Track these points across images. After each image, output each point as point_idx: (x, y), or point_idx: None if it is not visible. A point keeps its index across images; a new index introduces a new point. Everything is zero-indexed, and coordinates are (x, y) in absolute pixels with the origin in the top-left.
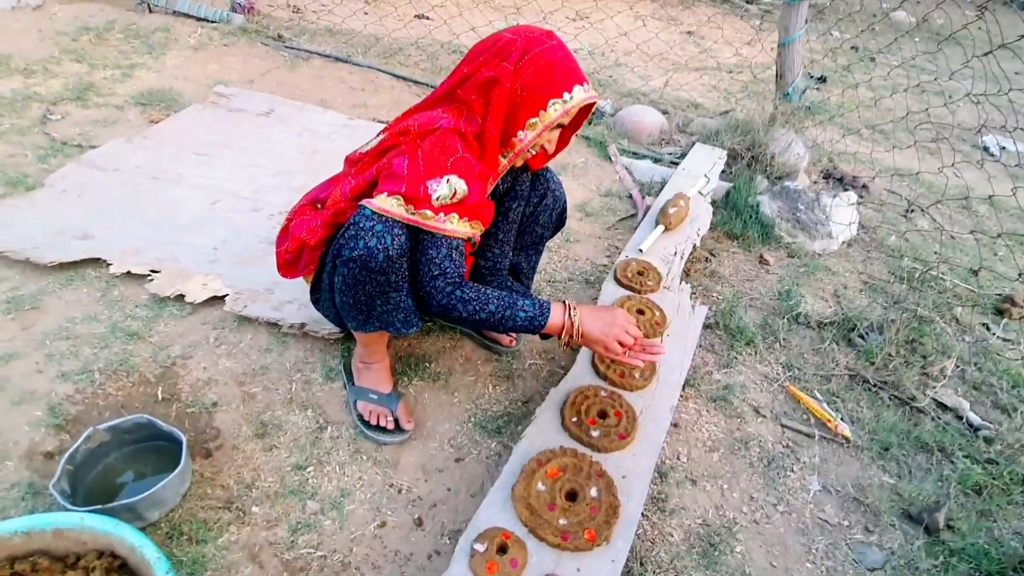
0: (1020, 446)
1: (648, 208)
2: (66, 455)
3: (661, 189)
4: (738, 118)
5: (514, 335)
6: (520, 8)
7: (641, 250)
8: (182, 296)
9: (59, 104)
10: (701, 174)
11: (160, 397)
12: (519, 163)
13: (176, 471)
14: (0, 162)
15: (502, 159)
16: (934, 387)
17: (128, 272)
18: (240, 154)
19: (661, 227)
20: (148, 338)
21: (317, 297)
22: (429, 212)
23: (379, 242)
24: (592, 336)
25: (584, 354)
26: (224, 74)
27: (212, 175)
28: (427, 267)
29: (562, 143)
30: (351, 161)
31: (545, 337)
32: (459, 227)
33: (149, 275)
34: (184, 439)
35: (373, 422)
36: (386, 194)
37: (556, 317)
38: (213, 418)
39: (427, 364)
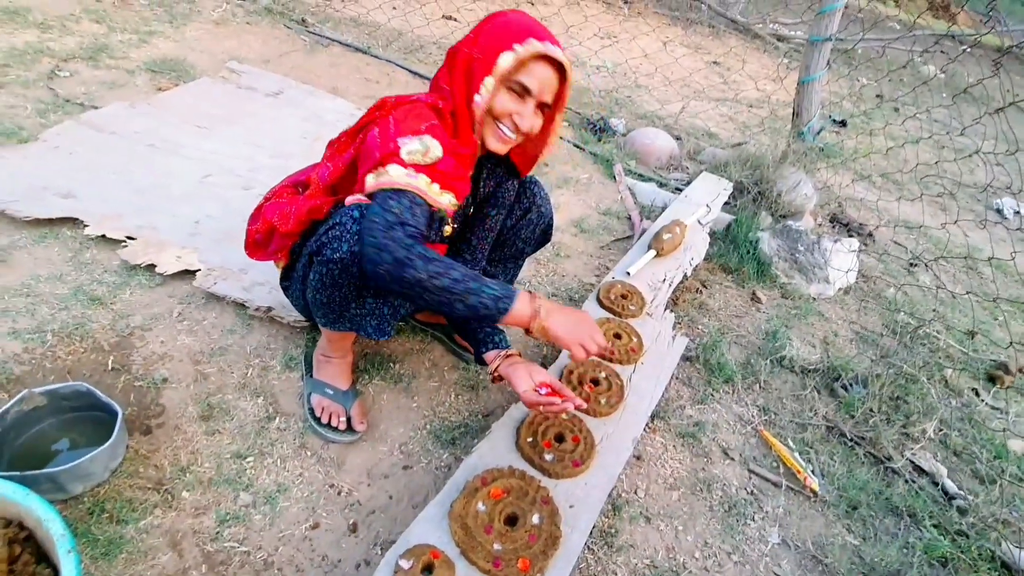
0: (993, 520)
1: (645, 231)
2: None
3: (663, 213)
4: (749, 151)
5: None
6: (547, 19)
7: (629, 273)
8: (153, 266)
9: (70, 61)
10: (703, 203)
11: (110, 367)
12: (497, 146)
13: (105, 445)
14: None
15: (473, 135)
16: (912, 449)
17: (104, 236)
18: (242, 131)
19: (653, 252)
20: (110, 305)
21: (287, 285)
22: (398, 168)
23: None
24: (557, 334)
25: (551, 372)
26: (241, 51)
27: (210, 149)
28: (382, 216)
29: (546, 131)
30: (330, 144)
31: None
32: (430, 190)
33: (124, 241)
34: (121, 413)
35: (324, 419)
36: (370, 175)
37: (522, 305)
38: (160, 394)
39: (391, 364)
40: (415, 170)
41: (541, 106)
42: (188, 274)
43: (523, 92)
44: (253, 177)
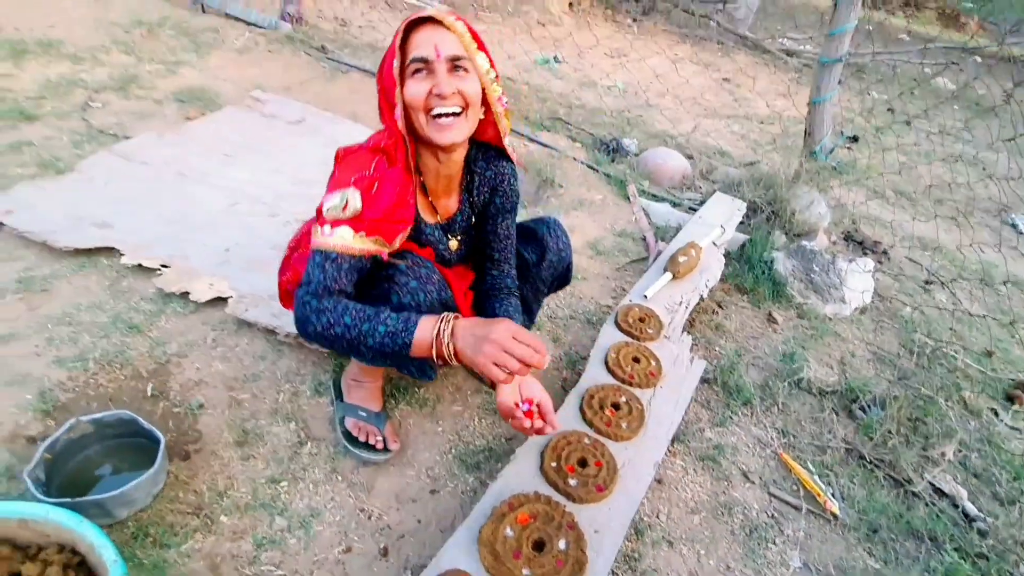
0: (1013, 543)
1: (660, 253)
2: (46, 443)
3: (676, 234)
4: (762, 170)
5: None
6: (559, 41)
7: (646, 296)
8: (187, 294)
9: (101, 92)
10: (717, 224)
11: (149, 393)
12: (447, 136)
13: (149, 472)
14: (37, 143)
15: (423, 153)
16: (932, 471)
17: (139, 264)
18: (266, 159)
19: (669, 274)
20: (148, 332)
21: None
22: (318, 227)
23: (412, 299)
24: (464, 355)
25: (572, 398)
26: (264, 79)
27: (235, 177)
28: (303, 280)
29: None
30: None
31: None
32: (351, 242)
33: (159, 269)
34: (163, 440)
35: (362, 439)
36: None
37: (423, 332)
38: (197, 420)
39: (416, 389)
40: (332, 226)
41: (454, 66)
42: (220, 301)
43: (422, 64)
44: (277, 204)
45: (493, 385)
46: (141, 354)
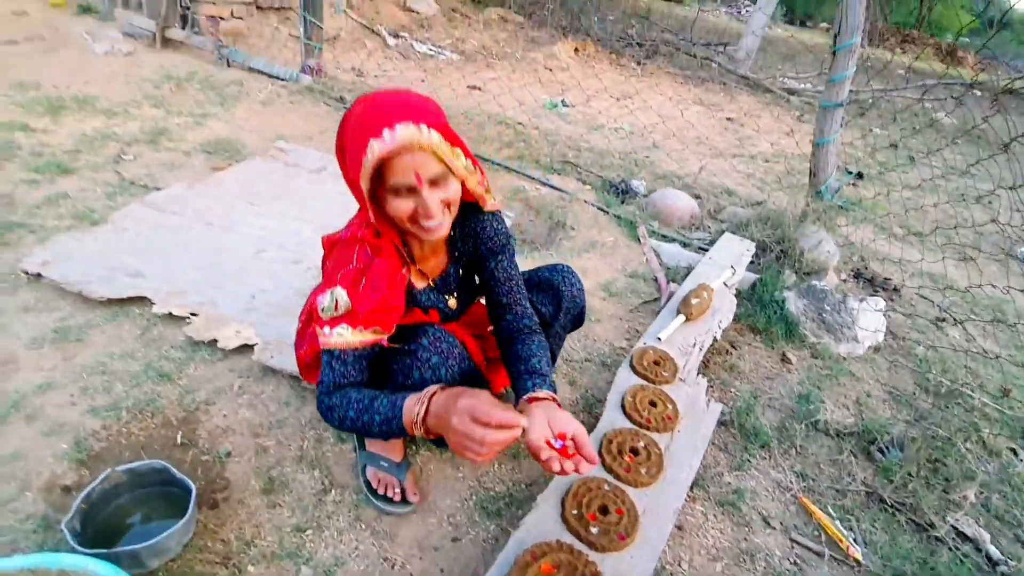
0: None
1: (672, 294)
2: (83, 494)
3: (687, 274)
4: (770, 210)
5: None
6: (566, 85)
7: (660, 339)
8: (215, 341)
9: (133, 145)
10: (727, 264)
11: (179, 441)
12: (431, 236)
13: (181, 522)
14: (72, 196)
15: (407, 234)
16: (955, 514)
17: (169, 313)
18: (289, 207)
19: (682, 317)
20: (177, 380)
21: None
22: (319, 328)
23: (433, 373)
24: (442, 435)
25: (592, 443)
26: (287, 129)
27: (261, 225)
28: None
29: (466, 195)
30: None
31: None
32: (352, 337)
33: (188, 318)
34: (194, 490)
35: (381, 491)
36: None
37: (407, 418)
38: (225, 468)
39: (412, 453)
40: (330, 326)
41: (434, 182)
42: (246, 348)
43: (408, 190)
44: (300, 251)
45: None
46: (171, 402)
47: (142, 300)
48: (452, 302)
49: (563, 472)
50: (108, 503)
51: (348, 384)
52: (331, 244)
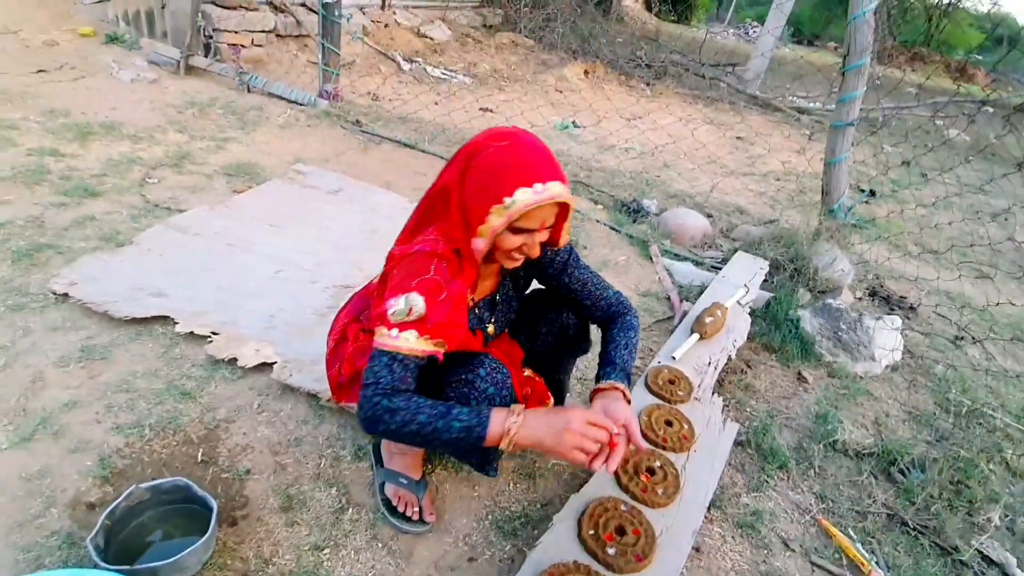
0: None
1: (685, 312)
2: (107, 510)
3: (700, 293)
4: (782, 228)
5: None
6: (576, 106)
7: (674, 358)
8: (235, 360)
9: (157, 169)
10: (741, 283)
11: (200, 459)
12: (513, 266)
13: (202, 540)
14: (99, 218)
15: (476, 274)
16: (980, 537)
17: (191, 332)
18: (308, 228)
19: (696, 336)
20: (199, 398)
21: None
22: (384, 329)
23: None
24: (531, 443)
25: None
26: (304, 152)
27: (280, 245)
28: (365, 377)
29: (555, 234)
30: (368, 291)
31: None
32: (416, 344)
33: (209, 337)
34: (216, 507)
35: (400, 508)
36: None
37: (495, 426)
38: (244, 486)
39: (449, 459)
40: (399, 329)
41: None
42: (266, 366)
43: (526, 231)
44: (318, 270)
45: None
46: (192, 420)
47: (165, 319)
48: (491, 328)
49: (593, 468)
50: (131, 520)
51: (404, 390)
52: (401, 255)
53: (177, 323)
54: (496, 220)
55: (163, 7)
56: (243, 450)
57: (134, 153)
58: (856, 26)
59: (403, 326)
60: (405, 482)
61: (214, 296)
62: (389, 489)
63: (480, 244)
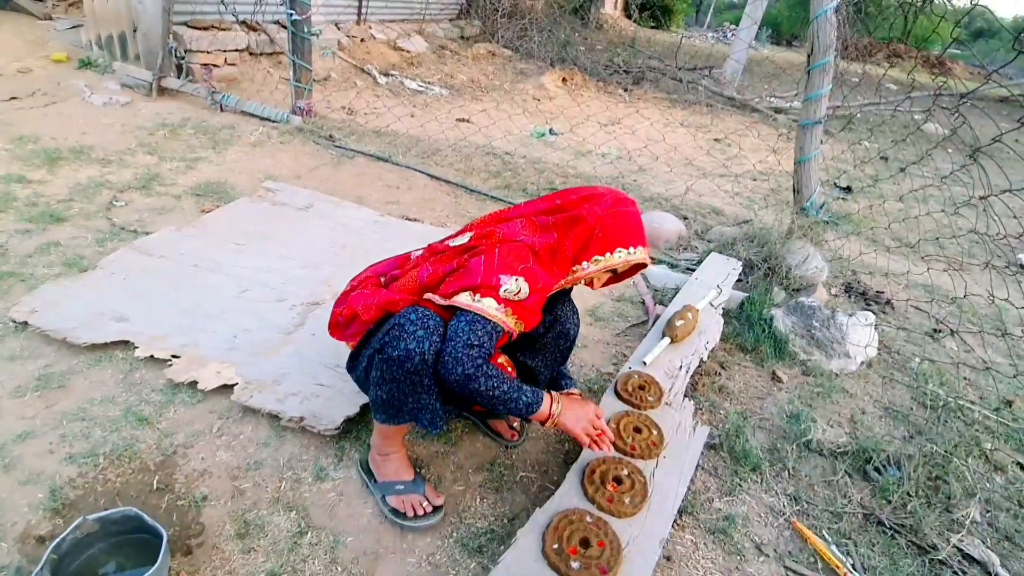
0: None
1: (659, 316)
2: (53, 544)
3: (675, 295)
4: (756, 228)
5: (516, 430)
6: (553, 115)
7: (645, 363)
8: (195, 382)
9: (125, 192)
10: (714, 284)
11: (155, 487)
12: (572, 284)
13: (150, 571)
14: (64, 243)
15: (562, 280)
16: (958, 535)
17: (152, 356)
18: (276, 245)
19: (667, 339)
20: (156, 424)
21: (353, 365)
22: (491, 301)
23: (418, 346)
24: (565, 427)
25: (574, 473)
26: (276, 169)
27: (247, 264)
28: (465, 336)
29: (602, 285)
30: (433, 250)
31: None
32: (511, 322)
33: (169, 360)
34: (166, 537)
35: (410, 513)
36: (467, 293)
37: (543, 409)
38: (200, 513)
39: (417, 468)
40: (506, 305)
41: None
42: (227, 388)
43: (611, 272)
44: (285, 289)
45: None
46: (149, 446)
47: (126, 344)
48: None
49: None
50: (81, 553)
51: (491, 357)
52: (505, 237)
53: (137, 347)
54: (619, 257)
55: (135, 30)
56: (200, 476)
57: (102, 177)
58: (819, 24)
59: (508, 303)
60: (402, 487)
61: (177, 319)
62: (392, 500)
63: (589, 268)
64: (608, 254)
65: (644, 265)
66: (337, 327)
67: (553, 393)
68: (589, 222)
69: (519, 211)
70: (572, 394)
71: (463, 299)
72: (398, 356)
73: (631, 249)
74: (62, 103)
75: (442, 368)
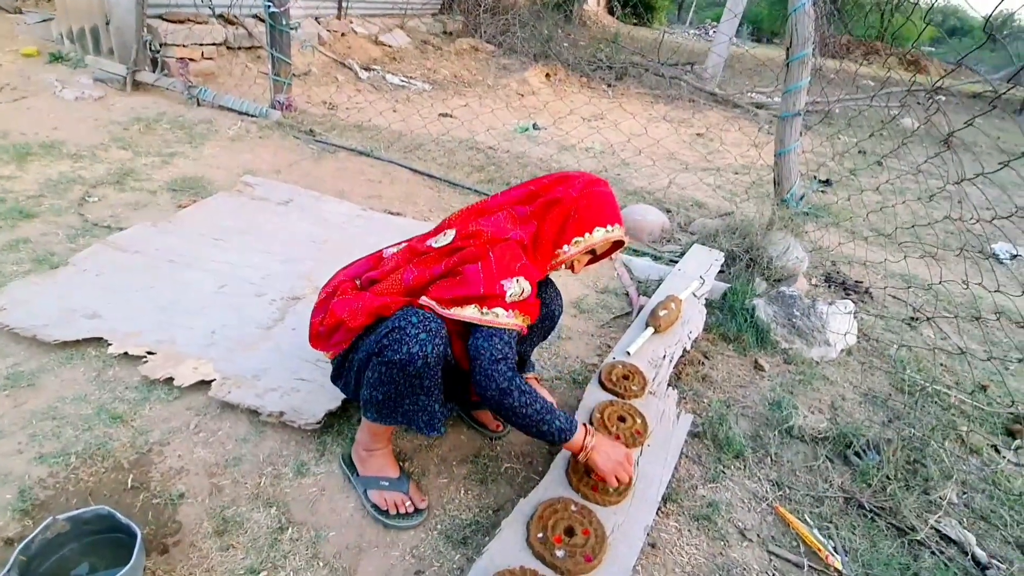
0: None
1: (643, 307)
2: (21, 545)
3: (659, 286)
4: (738, 220)
5: (500, 421)
6: (537, 110)
7: (629, 353)
8: (171, 379)
9: (99, 187)
10: (697, 275)
11: (129, 485)
12: (553, 270)
13: (123, 571)
14: (33, 240)
15: (547, 266)
16: (936, 516)
17: (126, 353)
18: (255, 240)
19: (651, 329)
20: (131, 422)
21: (339, 373)
22: (501, 310)
23: (420, 349)
24: (596, 464)
25: (558, 463)
26: (255, 164)
27: (225, 260)
28: (488, 353)
29: (584, 266)
30: (414, 251)
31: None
32: (522, 323)
33: (144, 357)
34: (140, 535)
35: (392, 511)
36: (473, 306)
37: (578, 438)
38: (177, 511)
39: (401, 462)
40: (514, 309)
41: None
42: (204, 384)
43: (591, 252)
44: (265, 283)
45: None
46: (123, 444)
47: (99, 342)
48: None
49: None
50: (52, 554)
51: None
52: (493, 238)
53: (110, 344)
54: (597, 236)
55: (108, 23)
56: (177, 473)
57: (74, 172)
58: (797, 18)
59: (513, 306)
60: (387, 484)
61: (152, 315)
62: (374, 495)
63: (571, 251)
64: (587, 234)
65: (622, 243)
66: (319, 337)
67: (587, 426)
68: (565, 204)
69: (497, 203)
70: (530, 378)
71: (471, 313)
72: (400, 360)
73: (608, 227)
74: (32, 98)
75: (476, 388)
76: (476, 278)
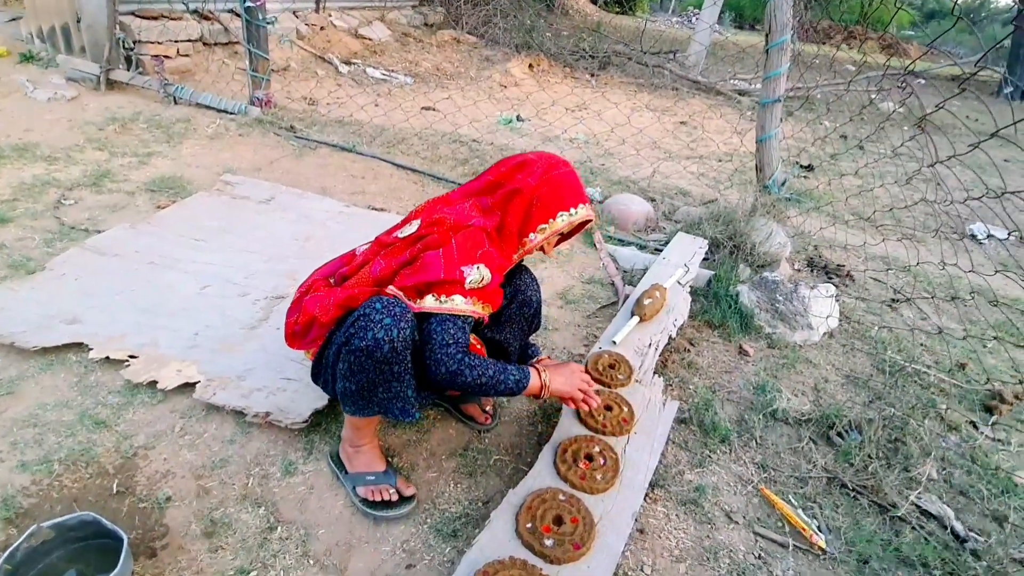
0: (1009, 560)
1: (628, 296)
2: (5, 554)
3: (644, 275)
4: (722, 207)
5: (489, 413)
6: (520, 101)
7: (614, 342)
8: (155, 383)
9: (75, 190)
10: (681, 263)
11: (115, 490)
12: (523, 256)
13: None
14: (9, 245)
15: (514, 255)
16: (916, 492)
17: (107, 357)
18: (237, 240)
19: (636, 318)
20: (114, 427)
21: (318, 371)
22: (459, 297)
23: (386, 334)
24: (559, 391)
25: (546, 453)
26: (235, 162)
27: (207, 260)
28: (440, 337)
29: (554, 247)
30: (381, 243)
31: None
32: (480, 309)
33: (127, 360)
34: (126, 540)
35: (376, 499)
36: (431, 296)
37: (534, 380)
38: (164, 514)
39: (390, 457)
40: (473, 296)
41: None
42: (189, 386)
43: (559, 235)
44: (248, 283)
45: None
46: (107, 450)
47: (80, 347)
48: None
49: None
50: (38, 561)
51: (468, 347)
52: (456, 224)
53: (91, 349)
54: (562, 221)
55: (79, 21)
56: (163, 477)
57: (49, 175)
58: (776, 4)
59: (472, 293)
60: (372, 477)
61: (134, 318)
62: (361, 490)
63: (537, 239)
64: (551, 220)
65: (589, 221)
66: (295, 336)
67: (536, 366)
68: (525, 194)
69: (462, 192)
70: (543, 360)
71: (429, 303)
72: (366, 346)
73: (571, 211)
74: (2, 99)
75: (427, 371)
76: (436, 263)
